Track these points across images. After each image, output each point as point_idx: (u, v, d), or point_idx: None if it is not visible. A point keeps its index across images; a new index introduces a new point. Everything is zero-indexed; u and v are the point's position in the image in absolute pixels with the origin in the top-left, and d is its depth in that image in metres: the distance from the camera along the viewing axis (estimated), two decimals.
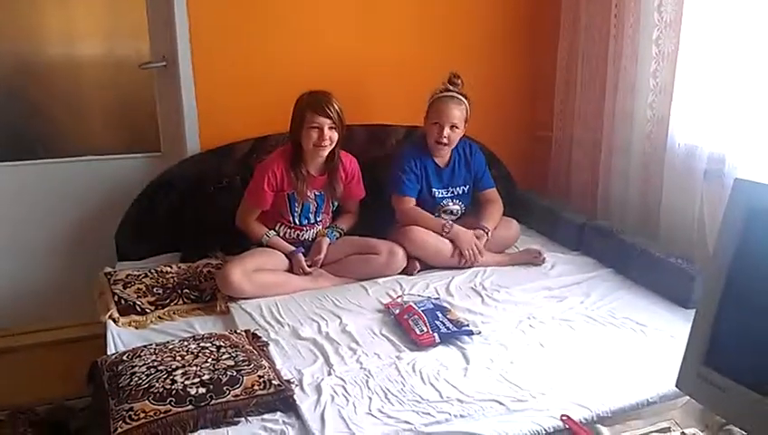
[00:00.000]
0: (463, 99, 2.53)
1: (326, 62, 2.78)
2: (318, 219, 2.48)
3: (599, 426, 1.42)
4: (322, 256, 2.41)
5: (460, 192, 2.67)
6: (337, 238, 2.48)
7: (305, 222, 2.46)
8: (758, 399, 1.06)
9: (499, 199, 2.71)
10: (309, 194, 2.41)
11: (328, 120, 2.30)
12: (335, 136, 2.34)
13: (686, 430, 1.26)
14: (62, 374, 2.36)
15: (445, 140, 2.52)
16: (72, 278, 2.67)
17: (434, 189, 2.62)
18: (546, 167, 3.16)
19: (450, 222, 2.54)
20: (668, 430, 1.28)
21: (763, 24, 2.03)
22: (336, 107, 2.32)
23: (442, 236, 2.50)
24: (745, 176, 2.00)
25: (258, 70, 2.72)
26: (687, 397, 1.27)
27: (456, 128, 2.52)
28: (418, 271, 2.46)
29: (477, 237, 2.51)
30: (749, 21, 2.07)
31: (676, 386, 1.23)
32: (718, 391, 1.12)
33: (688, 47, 2.30)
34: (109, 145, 2.83)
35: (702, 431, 1.25)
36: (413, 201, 2.58)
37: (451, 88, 2.55)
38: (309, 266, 2.38)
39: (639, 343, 1.90)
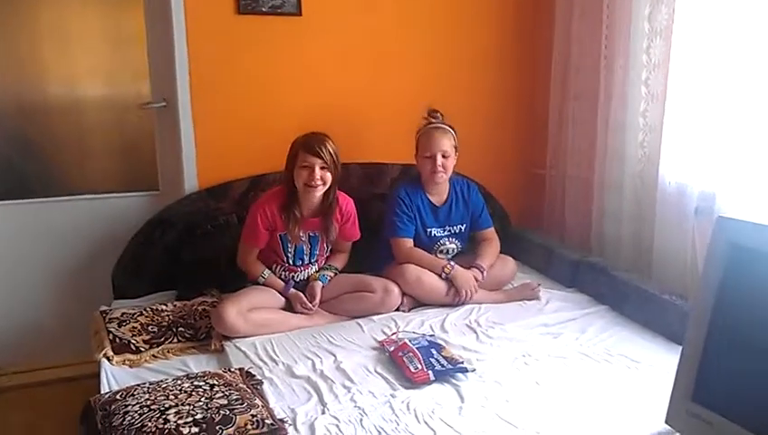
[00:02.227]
0: (448, 128, 2.57)
1: (322, 102, 2.84)
2: (313, 260, 2.49)
3: None
4: (317, 301, 2.40)
5: (457, 231, 2.68)
6: (330, 279, 2.48)
7: (299, 262, 2.46)
8: (746, 434, 1.06)
9: (496, 238, 2.72)
10: (302, 236, 2.41)
11: (319, 160, 2.30)
12: (327, 177, 2.34)
13: None
14: (56, 414, 2.35)
15: (440, 169, 2.53)
16: (69, 317, 2.67)
17: (429, 228, 2.63)
18: (541, 204, 3.19)
19: (451, 263, 2.54)
20: None
21: (748, 64, 2.09)
22: (330, 148, 2.32)
23: (441, 277, 2.51)
24: (736, 213, 2.03)
25: (255, 110, 2.78)
26: (678, 434, 1.27)
27: (448, 156, 2.54)
28: (411, 308, 2.46)
29: (474, 277, 2.51)
30: (734, 62, 2.13)
31: (666, 423, 1.23)
32: (707, 427, 1.12)
33: (676, 87, 2.35)
34: (107, 183, 2.87)
35: None
36: (410, 241, 2.59)
37: (433, 120, 2.59)
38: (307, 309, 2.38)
39: (634, 380, 1.90)
